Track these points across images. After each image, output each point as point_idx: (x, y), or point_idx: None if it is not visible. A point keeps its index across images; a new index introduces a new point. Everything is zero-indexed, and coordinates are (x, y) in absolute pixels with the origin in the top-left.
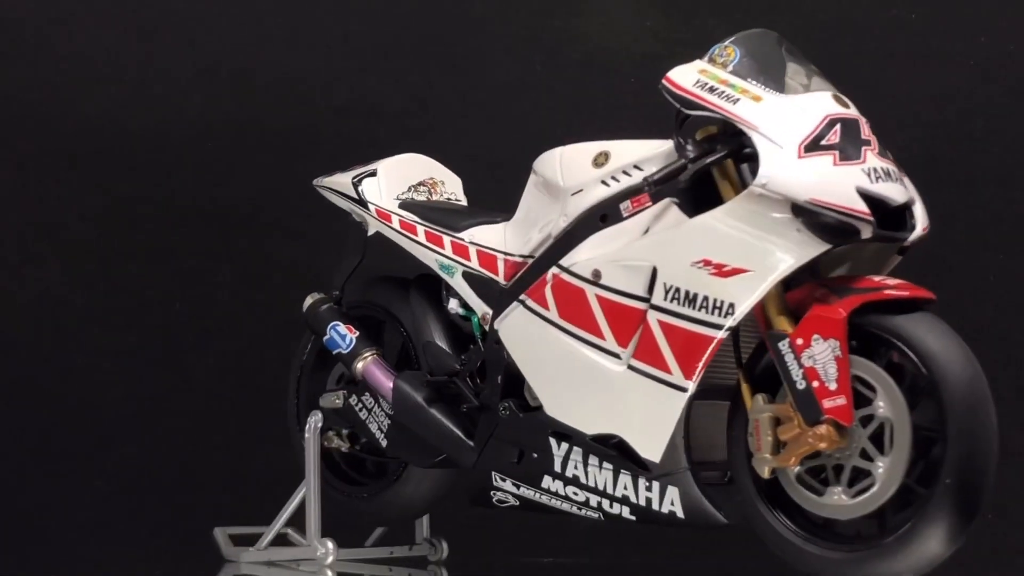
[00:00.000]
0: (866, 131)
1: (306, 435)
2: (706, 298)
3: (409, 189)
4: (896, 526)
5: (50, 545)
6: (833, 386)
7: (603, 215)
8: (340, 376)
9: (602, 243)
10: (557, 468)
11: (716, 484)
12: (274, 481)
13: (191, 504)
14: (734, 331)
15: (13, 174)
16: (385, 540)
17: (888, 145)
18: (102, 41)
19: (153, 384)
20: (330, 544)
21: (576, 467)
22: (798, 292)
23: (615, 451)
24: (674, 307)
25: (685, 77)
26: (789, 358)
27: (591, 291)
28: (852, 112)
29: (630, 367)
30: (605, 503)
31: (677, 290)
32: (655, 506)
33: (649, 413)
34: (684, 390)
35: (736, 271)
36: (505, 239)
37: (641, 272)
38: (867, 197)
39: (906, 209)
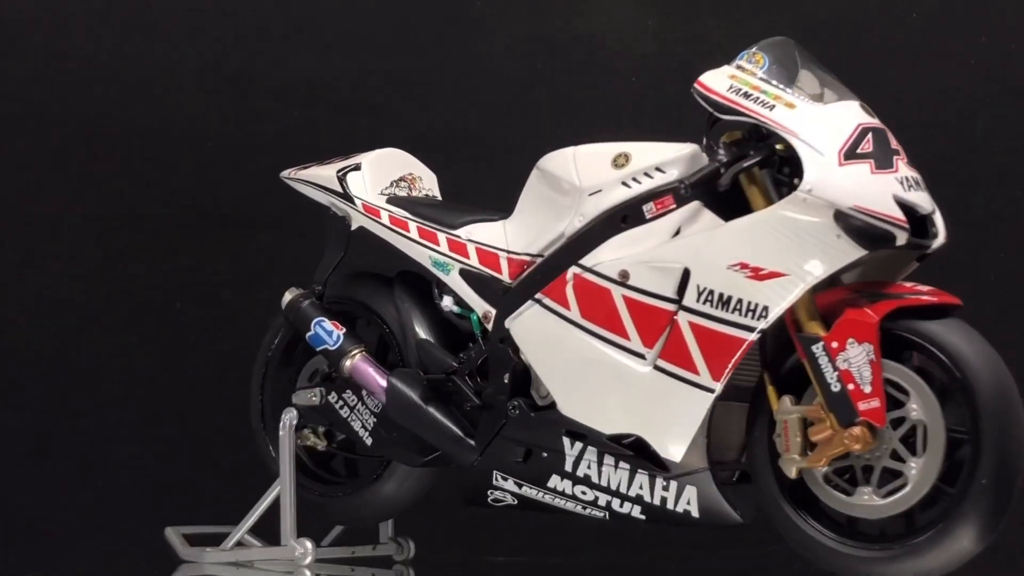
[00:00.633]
0: (894, 141)
1: (280, 432)
2: (740, 300)
3: (391, 184)
4: (926, 525)
5: (50, 545)
6: (868, 389)
7: (624, 216)
8: (313, 372)
9: (626, 244)
10: (568, 468)
11: (726, 484)
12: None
13: (191, 504)
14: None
15: (13, 174)
16: (344, 539)
17: None
18: (102, 41)
19: (153, 384)
20: (308, 544)
21: (589, 467)
22: (824, 296)
23: (631, 451)
24: (706, 309)
25: (718, 82)
26: (823, 361)
27: (617, 291)
28: (879, 122)
29: (656, 367)
30: (615, 503)
31: (711, 292)
32: (670, 505)
33: (673, 413)
34: (711, 391)
35: (773, 274)
36: (506, 237)
37: (671, 274)
38: (901, 205)
39: (927, 217)
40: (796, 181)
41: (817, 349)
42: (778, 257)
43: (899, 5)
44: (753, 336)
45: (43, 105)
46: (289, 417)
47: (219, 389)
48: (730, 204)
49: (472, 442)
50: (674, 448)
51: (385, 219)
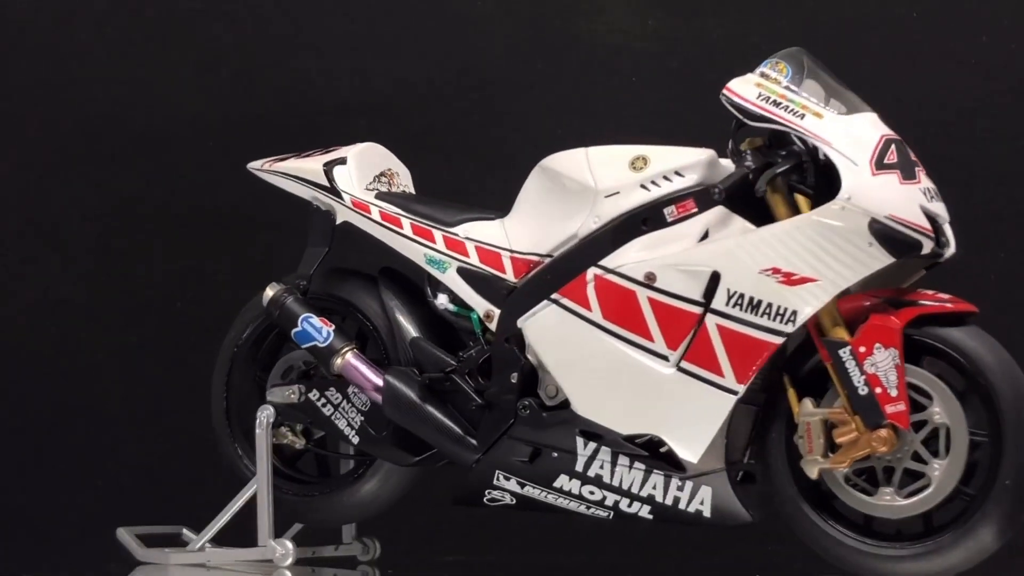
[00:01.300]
0: (911, 152)
1: (257, 430)
2: (770, 305)
3: (374, 179)
4: (947, 524)
5: (50, 545)
6: (894, 392)
7: (645, 219)
8: (288, 369)
9: (648, 247)
10: (579, 468)
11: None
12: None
13: (192, 504)
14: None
15: (14, 173)
16: (303, 540)
17: None
18: (102, 41)
19: (153, 384)
20: (289, 544)
21: (602, 467)
22: (844, 302)
23: (647, 451)
24: (735, 312)
25: (746, 89)
26: (850, 365)
27: (643, 293)
28: (895, 133)
29: (680, 369)
30: (624, 502)
31: (741, 296)
32: (682, 505)
33: (694, 415)
34: (734, 393)
35: (804, 280)
36: (507, 236)
37: (700, 277)
38: (926, 215)
39: (939, 227)
40: (808, 188)
41: (844, 353)
42: (811, 263)
43: (899, 5)
44: (780, 340)
45: (43, 105)
46: (266, 414)
47: None
48: (755, 211)
49: (474, 441)
50: (693, 449)
51: (376, 215)
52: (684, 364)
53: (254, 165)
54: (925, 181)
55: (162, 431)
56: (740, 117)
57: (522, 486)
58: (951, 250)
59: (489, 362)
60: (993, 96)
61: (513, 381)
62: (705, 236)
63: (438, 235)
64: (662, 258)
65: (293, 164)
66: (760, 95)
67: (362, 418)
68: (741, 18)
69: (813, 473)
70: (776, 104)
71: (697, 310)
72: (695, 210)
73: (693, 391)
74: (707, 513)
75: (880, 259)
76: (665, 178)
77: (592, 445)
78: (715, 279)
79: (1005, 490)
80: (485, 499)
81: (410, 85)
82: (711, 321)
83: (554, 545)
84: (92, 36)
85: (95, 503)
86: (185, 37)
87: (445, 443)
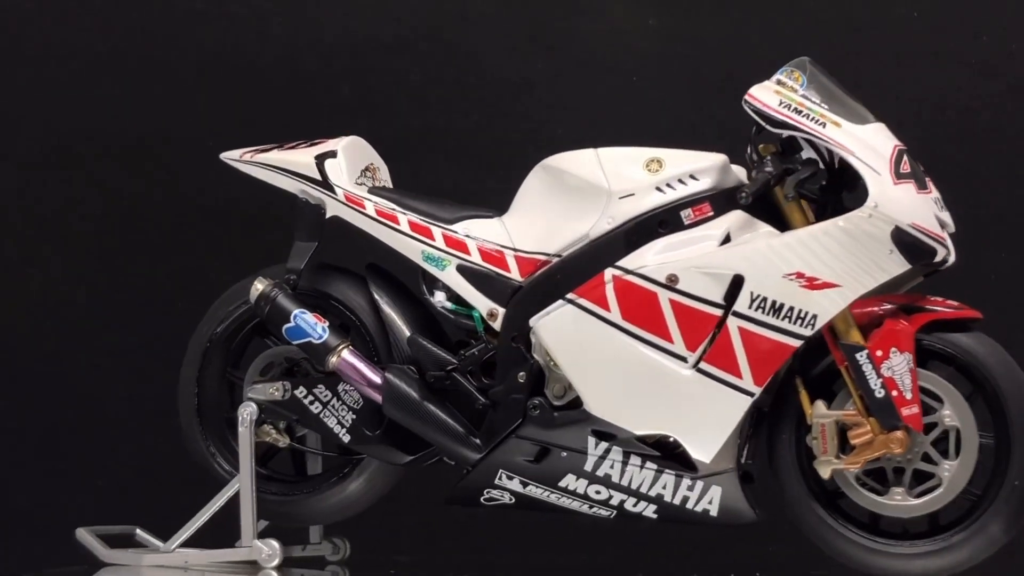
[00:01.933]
0: (919, 163)
1: (240, 428)
2: (791, 308)
3: (361, 174)
4: (955, 522)
5: (50, 545)
6: (908, 396)
7: (662, 221)
8: (268, 365)
9: (668, 249)
10: (587, 467)
11: None
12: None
13: (193, 504)
14: None
15: (14, 173)
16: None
17: None
18: (102, 41)
19: (154, 383)
20: (276, 544)
21: (612, 466)
22: (856, 306)
23: (658, 451)
24: (758, 315)
25: (767, 96)
26: (867, 368)
27: (664, 295)
28: (902, 143)
29: (698, 370)
30: (630, 502)
31: (764, 299)
32: (689, 505)
33: (710, 416)
34: (751, 395)
35: (826, 285)
36: (509, 235)
37: (722, 280)
38: (939, 223)
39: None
40: (810, 194)
41: (861, 357)
42: (833, 268)
43: (899, 5)
44: (799, 343)
45: (43, 105)
46: (249, 411)
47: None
48: (769, 215)
49: (477, 440)
50: (706, 449)
51: (370, 210)
52: (703, 365)
53: (230, 155)
54: (935, 190)
55: (163, 430)
56: (761, 123)
57: (524, 485)
58: (952, 259)
59: (491, 361)
60: (994, 95)
61: (521, 380)
62: (726, 239)
63: (437, 232)
64: (685, 260)
65: (279, 156)
66: (781, 102)
67: (354, 416)
68: (741, 18)
69: (826, 473)
70: (798, 112)
71: (717, 312)
72: (711, 213)
73: (710, 392)
74: (714, 512)
75: (898, 266)
76: (680, 181)
77: (604, 445)
78: (737, 282)
79: (1014, 490)
80: (482, 499)
81: (411, 84)
82: (733, 323)
83: (554, 545)
84: (92, 36)
85: (95, 503)
86: (185, 37)
87: (447, 442)
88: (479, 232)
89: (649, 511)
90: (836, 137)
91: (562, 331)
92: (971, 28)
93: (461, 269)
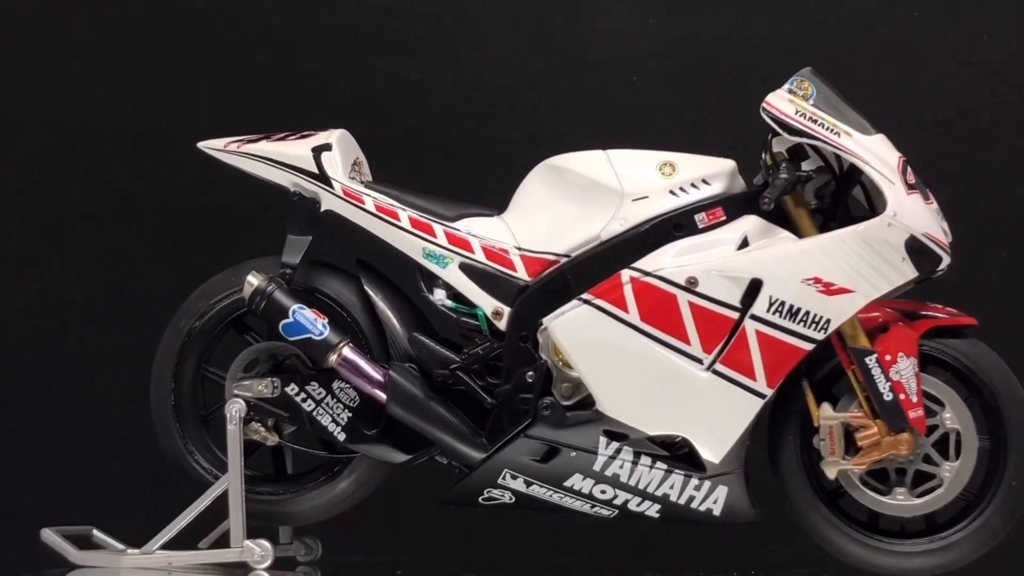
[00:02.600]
0: (918, 175)
1: (230, 426)
2: (807, 313)
3: (351, 168)
4: (951, 521)
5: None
6: (915, 399)
7: (677, 224)
8: (252, 361)
9: (685, 252)
10: (596, 467)
11: None
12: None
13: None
14: None
15: (14, 173)
16: (225, 541)
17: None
18: (102, 41)
19: None
20: (267, 544)
21: (621, 466)
22: (862, 311)
23: (667, 451)
24: (775, 319)
25: (784, 104)
26: (876, 372)
27: (683, 297)
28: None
29: (714, 372)
30: (634, 501)
31: (782, 303)
32: (694, 504)
33: (722, 417)
34: (763, 396)
35: (841, 290)
36: (513, 234)
37: (741, 283)
38: (944, 233)
39: None
40: (825, 202)
41: (871, 361)
42: (849, 275)
43: (900, 5)
44: (811, 347)
45: (43, 105)
46: (237, 408)
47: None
48: (778, 221)
49: (483, 440)
50: (716, 449)
51: (370, 205)
52: (718, 367)
53: (211, 145)
54: (935, 201)
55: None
56: (779, 130)
57: (528, 485)
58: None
59: (496, 360)
60: (995, 95)
61: (529, 380)
62: (743, 244)
63: (439, 229)
64: (705, 264)
65: (273, 148)
66: (797, 111)
67: (350, 414)
68: (741, 18)
69: (833, 474)
70: (813, 121)
71: (734, 315)
72: (724, 218)
73: (724, 393)
74: (717, 512)
75: (907, 273)
76: (693, 185)
77: (614, 445)
78: (755, 286)
79: (1012, 490)
80: (481, 499)
81: (410, 85)
82: (750, 326)
83: (554, 545)
84: (92, 36)
85: (95, 503)
86: (185, 37)
87: (452, 441)
88: (481, 230)
89: (652, 511)
90: (850, 146)
91: (578, 331)
92: (971, 28)
93: (464, 267)
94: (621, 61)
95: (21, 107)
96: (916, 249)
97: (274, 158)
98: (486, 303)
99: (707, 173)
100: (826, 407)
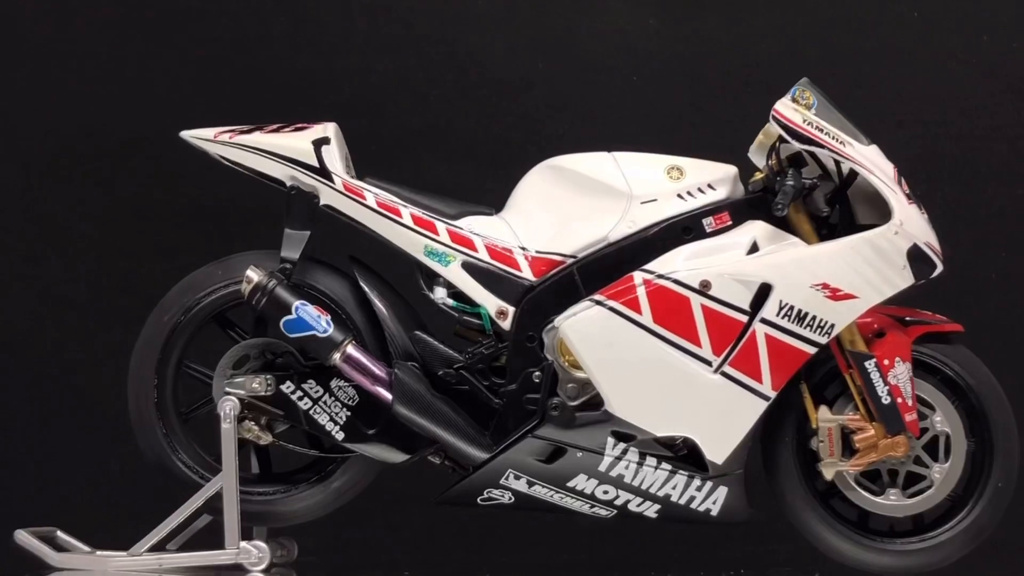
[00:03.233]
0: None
1: (224, 424)
2: (814, 317)
3: (345, 162)
4: (938, 520)
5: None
6: (910, 402)
7: (686, 228)
8: (242, 358)
9: (696, 255)
10: (602, 468)
11: None
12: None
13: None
14: None
15: (14, 173)
16: (206, 539)
17: (889, 143)
18: (102, 41)
19: None
20: (264, 546)
21: (626, 467)
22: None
23: (672, 452)
24: (784, 323)
25: (791, 113)
26: (875, 376)
27: (696, 300)
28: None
29: (723, 374)
30: (635, 502)
31: (791, 307)
32: (693, 504)
33: (728, 418)
34: (767, 398)
35: (847, 296)
36: (515, 234)
37: (751, 287)
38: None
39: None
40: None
41: (870, 365)
42: (854, 281)
43: (900, 5)
44: (814, 350)
45: (43, 105)
46: (230, 406)
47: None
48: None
49: (489, 439)
50: (720, 451)
51: (371, 201)
52: (727, 369)
53: (199, 135)
54: (926, 211)
55: None
56: (788, 137)
57: (530, 485)
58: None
59: (505, 359)
60: (994, 94)
61: (536, 380)
62: (753, 248)
63: (441, 227)
64: (717, 267)
65: (268, 139)
66: (804, 120)
67: (349, 413)
68: (741, 18)
69: (831, 475)
70: (820, 130)
71: (743, 319)
72: (730, 222)
73: (731, 395)
74: (715, 512)
75: (906, 280)
76: (699, 190)
77: (621, 446)
78: (764, 289)
79: (997, 490)
80: (479, 499)
81: (410, 85)
82: (760, 330)
83: (554, 545)
84: (92, 36)
85: (95, 503)
86: (185, 37)
87: (457, 441)
88: (482, 229)
89: (651, 511)
90: (855, 155)
91: (591, 332)
92: (971, 28)
93: (467, 266)
94: (621, 61)
95: (21, 107)
96: (917, 257)
97: (271, 150)
98: (489, 302)
99: (713, 178)
100: (824, 410)
